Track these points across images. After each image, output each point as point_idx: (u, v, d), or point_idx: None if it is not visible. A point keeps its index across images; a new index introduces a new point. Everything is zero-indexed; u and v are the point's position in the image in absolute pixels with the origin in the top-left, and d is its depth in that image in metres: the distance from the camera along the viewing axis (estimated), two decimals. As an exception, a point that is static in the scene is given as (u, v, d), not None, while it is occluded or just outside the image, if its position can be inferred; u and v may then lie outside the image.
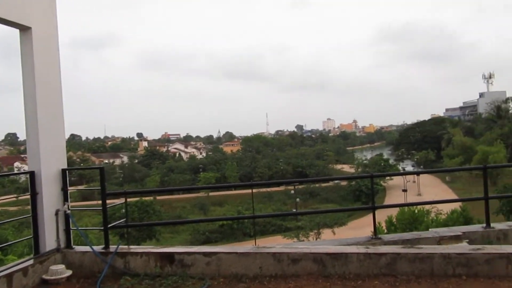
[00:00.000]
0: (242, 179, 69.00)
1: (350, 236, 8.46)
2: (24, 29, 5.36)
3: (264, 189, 58.02)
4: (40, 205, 5.31)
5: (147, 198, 45.24)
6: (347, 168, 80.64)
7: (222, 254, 4.97)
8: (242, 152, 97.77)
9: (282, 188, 59.67)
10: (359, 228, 29.22)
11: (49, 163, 5.46)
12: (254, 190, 56.97)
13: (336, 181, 60.46)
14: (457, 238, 5.64)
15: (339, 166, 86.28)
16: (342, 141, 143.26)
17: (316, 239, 32.13)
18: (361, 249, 4.83)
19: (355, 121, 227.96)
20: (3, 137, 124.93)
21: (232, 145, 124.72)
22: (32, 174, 5.34)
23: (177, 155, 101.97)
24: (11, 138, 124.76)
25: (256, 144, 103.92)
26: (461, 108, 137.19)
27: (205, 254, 5.00)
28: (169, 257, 5.04)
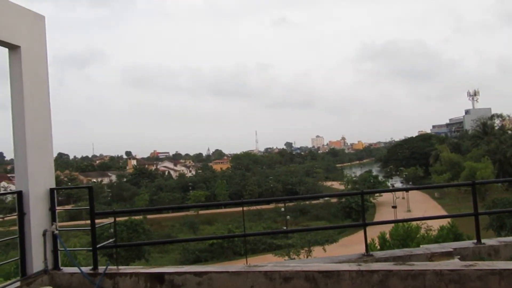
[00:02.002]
0: (232, 197, 68.68)
1: (341, 253, 8.43)
2: (13, 48, 5.35)
3: (254, 207, 57.74)
4: (27, 226, 5.20)
5: (136, 217, 44.67)
6: (336, 185, 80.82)
7: (213, 274, 4.90)
8: (232, 170, 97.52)
9: (272, 205, 59.52)
10: (350, 245, 29.15)
11: (37, 182, 5.38)
12: (244, 208, 56.68)
13: (326, 198, 60.49)
14: (448, 255, 5.65)
15: (329, 183, 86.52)
16: (331, 158, 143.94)
17: (307, 256, 31.92)
18: (353, 267, 4.81)
19: (343, 138, 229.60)
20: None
21: (221, 162, 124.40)
22: (19, 194, 5.25)
23: (166, 173, 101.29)
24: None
25: (245, 162, 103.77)
26: (447, 125, 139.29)
27: (196, 273, 4.93)
28: (159, 277, 4.96)
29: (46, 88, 5.74)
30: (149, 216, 57.08)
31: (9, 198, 61.38)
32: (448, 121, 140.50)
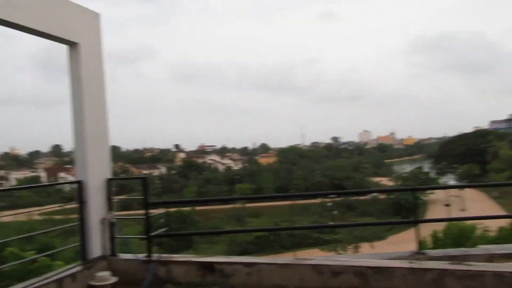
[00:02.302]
0: (278, 190, 68.72)
1: (391, 251, 8.22)
2: (72, 45, 5.64)
3: (300, 201, 57.50)
4: (87, 214, 5.50)
5: (185, 209, 45.84)
6: (385, 181, 78.67)
7: (262, 265, 4.96)
8: (278, 164, 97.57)
9: (319, 200, 58.97)
10: (400, 243, 28.35)
11: (96, 173, 5.67)
12: (290, 202, 56.60)
13: (374, 194, 59.04)
14: (509, 257, 5.36)
15: (377, 179, 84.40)
16: (380, 154, 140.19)
17: (354, 253, 31.45)
18: (405, 264, 4.68)
19: (392, 133, 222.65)
20: (49, 149, 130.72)
21: (267, 156, 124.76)
22: (80, 184, 5.56)
23: (213, 166, 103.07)
24: (56, 150, 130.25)
25: (291, 156, 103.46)
26: (507, 120, 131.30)
27: (246, 264, 5.00)
28: (210, 266, 5.09)
29: (103, 84, 6.01)
30: (197, 208, 58.44)
31: (67, 187, 64.96)
32: (507, 117, 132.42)
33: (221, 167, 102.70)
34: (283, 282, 4.83)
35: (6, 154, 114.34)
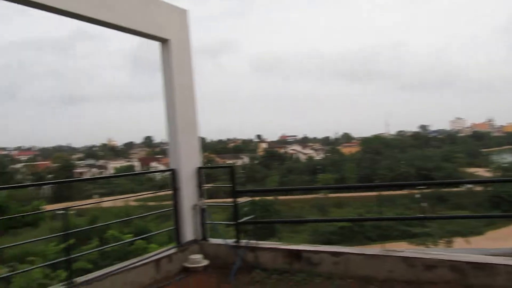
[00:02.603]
0: (361, 181, 66.91)
1: (489, 247, 7.64)
2: (164, 42, 5.97)
3: (385, 192, 55.46)
4: (180, 200, 5.85)
5: (268, 198, 46.60)
6: (482, 172, 72.71)
7: (350, 255, 4.89)
8: (361, 153, 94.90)
9: (405, 191, 56.33)
10: (500, 239, 26.14)
11: (187, 162, 5.99)
12: (374, 193, 54.83)
13: (469, 186, 54.86)
14: None
15: (471, 170, 78.33)
16: (475, 142, 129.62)
17: (447, 247, 29.63)
18: (510, 261, 4.31)
19: (490, 120, 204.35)
20: (142, 140, 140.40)
21: (350, 146, 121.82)
22: (173, 172, 5.92)
23: (294, 156, 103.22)
24: (148, 141, 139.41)
25: (375, 145, 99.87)
26: None
27: (333, 253, 4.98)
28: (297, 254, 5.14)
29: (192, 77, 6.29)
30: (280, 197, 59.09)
31: (158, 176, 69.35)
32: None
33: (302, 157, 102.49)
34: (371, 273, 4.72)
35: (104, 145, 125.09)
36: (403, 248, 6.43)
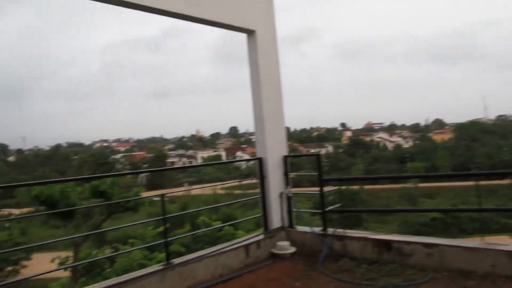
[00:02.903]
0: (455, 169, 62.44)
1: None
2: (250, 33, 6.10)
3: (484, 182, 51.18)
4: (267, 188, 5.99)
5: (353, 187, 45.65)
6: None
7: (445, 247, 4.65)
8: (455, 140, 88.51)
9: (508, 181, 51.50)
10: None
11: (273, 150, 6.10)
12: (471, 183, 50.90)
13: None
14: None
15: None
16: None
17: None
18: None
19: None
20: (227, 130, 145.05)
21: (442, 133, 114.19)
22: (260, 160, 6.07)
23: (381, 144, 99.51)
24: (233, 131, 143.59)
25: (471, 131, 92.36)
26: None
27: (426, 245, 4.77)
28: (387, 244, 5.01)
29: (277, 67, 6.36)
30: (365, 187, 57.52)
31: (243, 165, 71.26)
32: None
33: (390, 145, 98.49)
34: (470, 267, 4.44)
35: (193, 136, 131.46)
36: (507, 242, 5.95)
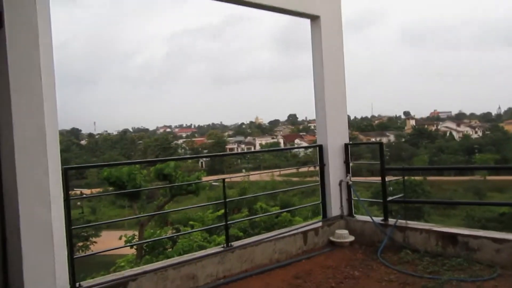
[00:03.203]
0: (530, 163, 58.08)
1: None
2: (314, 19, 6.02)
3: None
4: (327, 175, 5.95)
5: (416, 178, 43.98)
6: None
7: (517, 243, 4.38)
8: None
9: None
10: None
11: (334, 138, 6.03)
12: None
13: None
14: None
15: None
16: None
17: None
18: None
19: None
20: (286, 118, 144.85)
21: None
22: (320, 148, 6.04)
23: (447, 134, 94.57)
24: (292, 119, 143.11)
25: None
26: None
27: (495, 240, 4.52)
28: (452, 237, 4.81)
29: (341, 54, 6.23)
30: (428, 178, 55.13)
31: (301, 153, 70.99)
32: None
33: (457, 135, 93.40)
34: (545, 266, 4.17)
35: (252, 123, 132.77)
36: None
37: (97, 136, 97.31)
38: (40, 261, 3.06)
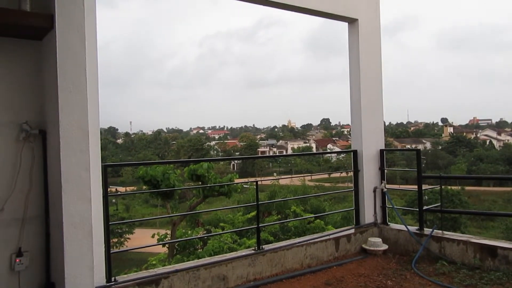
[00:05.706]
0: None
1: None
2: (351, 22, 5.96)
3: None
4: (361, 181, 5.87)
5: (453, 187, 42.60)
6: None
7: (562, 260, 4.17)
8: None
9: None
10: None
11: (369, 143, 5.94)
12: None
13: None
14: None
15: None
16: None
17: None
18: None
19: None
20: (319, 122, 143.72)
21: None
22: (355, 153, 5.96)
23: (487, 142, 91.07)
24: (325, 123, 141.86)
25: None
26: None
27: (539, 255, 4.32)
28: (492, 250, 4.63)
29: (379, 58, 6.12)
30: (466, 188, 53.25)
31: (333, 158, 70.18)
32: None
33: (497, 144, 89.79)
34: None
35: (284, 126, 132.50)
36: None
37: (132, 136, 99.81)
38: (80, 256, 3.16)
